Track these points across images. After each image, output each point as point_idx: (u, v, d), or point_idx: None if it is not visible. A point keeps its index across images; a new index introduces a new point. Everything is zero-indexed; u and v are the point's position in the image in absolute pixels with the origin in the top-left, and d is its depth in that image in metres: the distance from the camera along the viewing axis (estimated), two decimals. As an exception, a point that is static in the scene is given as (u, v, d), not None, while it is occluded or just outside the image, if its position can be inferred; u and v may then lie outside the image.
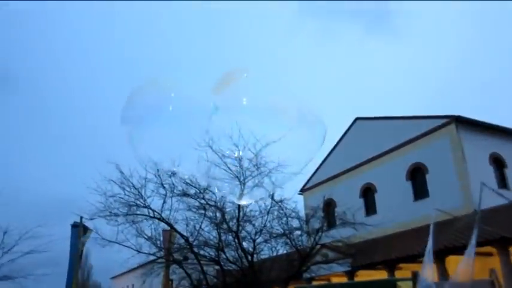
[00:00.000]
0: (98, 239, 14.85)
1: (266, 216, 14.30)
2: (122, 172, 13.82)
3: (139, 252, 14.71)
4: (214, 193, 14.11)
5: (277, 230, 14.77)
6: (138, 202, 14.05)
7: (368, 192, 21.53)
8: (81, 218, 16.73)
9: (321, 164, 24.68)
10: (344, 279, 17.95)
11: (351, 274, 17.40)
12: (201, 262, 14.94)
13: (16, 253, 20.73)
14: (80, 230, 17.45)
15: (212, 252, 15.07)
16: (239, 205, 13.92)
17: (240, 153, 13.34)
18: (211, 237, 14.85)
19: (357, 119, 23.51)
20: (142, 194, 14.04)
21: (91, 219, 14.63)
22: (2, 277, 21.63)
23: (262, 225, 14.31)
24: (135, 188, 13.94)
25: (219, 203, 14.16)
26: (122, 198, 13.89)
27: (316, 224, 15.53)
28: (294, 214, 14.96)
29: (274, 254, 15.67)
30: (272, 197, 14.15)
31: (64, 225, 18.54)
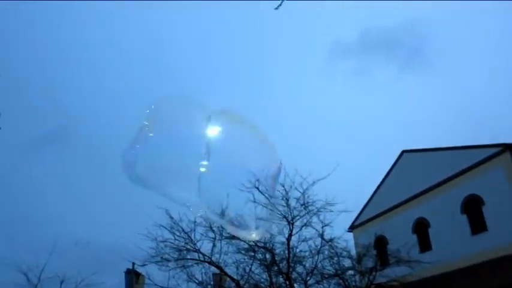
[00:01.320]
0: (151, 284, 14.98)
1: (317, 256, 14.04)
2: (171, 217, 14.06)
3: (190, 297, 14.68)
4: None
5: (328, 270, 14.41)
6: (188, 246, 14.16)
7: (421, 227, 20.71)
8: (133, 264, 17.06)
9: (369, 200, 24.13)
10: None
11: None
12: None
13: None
14: (132, 277, 17.76)
15: (263, 295, 14.83)
16: (289, 246, 13.78)
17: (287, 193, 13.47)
18: (262, 280, 14.64)
19: (404, 151, 23.00)
20: (192, 238, 14.16)
21: (143, 265, 14.86)
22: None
23: (313, 266, 14.02)
24: (185, 232, 14.09)
25: (268, 245, 14.06)
26: (172, 243, 14.06)
27: (369, 262, 15.05)
28: (345, 253, 14.61)
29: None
30: (322, 236, 13.95)
31: (117, 272, 18.93)
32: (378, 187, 23.86)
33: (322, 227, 13.93)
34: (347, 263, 14.78)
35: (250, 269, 14.38)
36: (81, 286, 21.00)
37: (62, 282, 20.76)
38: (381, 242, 20.57)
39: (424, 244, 20.13)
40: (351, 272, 14.85)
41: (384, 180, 23.70)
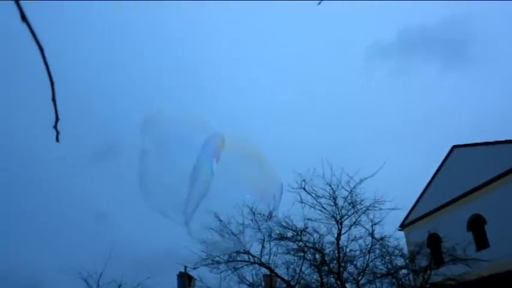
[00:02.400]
0: (203, 287, 15.26)
1: (368, 256, 13.80)
2: (220, 220, 14.27)
3: (242, 298, 14.81)
4: (311, 234, 14.04)
5: (380, 269, 14.14)
6: (237, 248, 14.32)
7: (477, 224, 19.91)
8: (185, 267, 17.43)
9: (420, 197, 23.47)
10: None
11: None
12: (305, 306, 14.67)
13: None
14: (185, 280, 18.13)
15: (315, 296, 14.76)
16: (338, 245, 13.66)
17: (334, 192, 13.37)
18: (313, 280, 14.58)
19: (454, 147, 22.25)
20: (241, 240, 14.30)
21: (194, 268, 15.14)
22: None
23: (365, 265, 13.79)
24: (234, 235, 14.25)
25: (317, 245, 13.99)
26: (222, 245, 14.27)
27: (422, 261, 14.63)
28: (397, 252, 14.27)
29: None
30: (372, 235, 13.72)
31: (171, 275, 19.42)
32: (429, 184, 23.18)
33: (372, 226, 13.72)
34: (399, 261, 14.43)
35: (301, 270, 14.36)
36: (137, 290, 21.77)
37: (119, 286, 21.57)
38: (434, 240, 19.96)
39: (481, 242, 19.33)
40: (404, 271, 14.48)
41: (434, 176, 23.01)
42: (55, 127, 1.51)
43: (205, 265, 14.44)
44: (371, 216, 13.64)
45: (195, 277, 17.64)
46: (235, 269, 14.42)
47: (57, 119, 1.50)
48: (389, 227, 14.72)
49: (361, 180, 13.35)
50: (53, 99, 1.46)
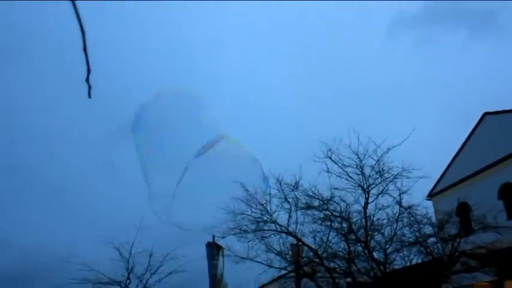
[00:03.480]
0: (231, 256, 15.53)
1: (395, 224, 13.72)
2: (247, 190, 14.40)
3: (270, 267, 15.02)
4: (338, 204, 14.03)
5: (408, 238, 14.07)
6: (264, 218, 14.46)
7: (508, 193, 19.49)
8: (214, 237, 17.74)
9: (449, 165, 23.07)
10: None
11: (497, 283, 15.81)
12: (332, 274, 14.79)
13: (162, 274, 22.80)
14: (213, 249, 18.50)
15: (342, 264, 14.84)
16: (366, 214, 13.62)
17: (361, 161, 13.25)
18: (340, 249, 14.65)
19: (486, 114, 21.62)
20: (268, 209, 14.43)
21: (223, 237, 15.40)
22: (152, 296, 23.84)
23: (392, 234, 13.74)
24: (261, 204, 14.38)
25: (344, 214, 13.99)
26: (249, 215, 14.43)
27: (451, 229, 14.46)
28: (425, 220, 14.14)
29: (408, 263, 14.86)
30: (400, 204, 13.61)
31: (199, 245, 19.84)
32: (458, 152, 22.73)
33: (400, 195, 13.59)
34: (428, 230, 14.31)
35: (328, 239, 14.43)
36: (167, 259, 22.48)
37: (150, 255, 22.32)
38: (463, 209, 19.68)
39: (512, 210, 18.99)
40: (432, 239, 14.38)
41: (464, 144, 22.52)
42: (87, 80, 1.48)
43: (233, 234, 14.68)
44: (399, 185, 13.51)
45: (223, 246, 17.98)
46: (263, 238, 14.61)
47: (88, 71, 1.45)
48: (418, 195, 14.58)
49: (389, 149, 13.17)
50: (84, 49, 1.42)
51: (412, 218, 13.89)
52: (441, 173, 23.58)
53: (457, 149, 22.98)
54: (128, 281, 22.94)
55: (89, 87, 1.47)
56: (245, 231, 14.46)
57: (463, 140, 22.74)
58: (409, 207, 13.78)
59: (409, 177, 13.27)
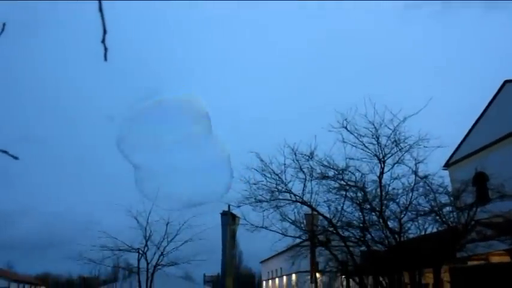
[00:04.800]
0: (246, 225, 15.73)
1: (411, 194, 13.66)
2: (261, 160, 14.44)
3: (285, 235, 15.19)
4: (353, 173, 13.99)
5: (424, 207, 14.01)
6: (279, 187, 14.53)
7: (527, 161, 19.18)
8: (229, 206, 17.96)
9: (467, 135, 22.71)
10: (506, 259, 16.35)
11: (514, 252, 15.76)
12: (346, 243, 14.91)
13: (178, 242, 23.33)
14: (228, 218, 18.76)
15: (356, 233, 14.93)
16: (381, 184, 13.57)
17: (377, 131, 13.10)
18: (354, 218, 14.70)
19: (507, 81, 21.06)
20: (283, 179, 14.48)
21: (238, 206, 15.57)
22: (169, 263, 24.51)
23: (407, 203, 13.69)
24: (276, 174, 14.44)
25: (359, 183, 13.96)
26: (264, 185, 14.51)
27: (467, 199, 14.35)
28: (441, 189, 14.03)
29: (423, 233, 14.87)
30: (415, 173, 13.51)
31: (215, 214, 20.15)
32: (477, 121, 22.32)
33: (416, 164, 13.47)
34: (444, 199, 14.21)
35: (342, 208, 14.47)
36: (184, 227, 22.93)
37: (167, 224, 22.77)
38: (480, 178, 19.48)
39: (531, 179, 18.69)
40: (448, 208, 14.30)
41: (483, 113, 22.08)
42: (103, 41, 1.42)
43: (248, 203, 14.83)
44: (415, 155, 13.37)
45: (238, 215, 18.21)
46: (278, 207, 14.72)
47: (104, 32, 1.39)
48: (434, 165, 14.43)
49: (405, 118, 12.98)
50: (100, 9, 1.36)
51: (427, 188, 13.80)
52: (459, 142, 23.26)
53: (475, 118, 22.56)
54: (146, 248, 23.55)
55: (105, 49, 1.42)
56: (260, 200, 14.58)
57: (482, 108, 22.28)
58: (425, 176, 13.67)
59: (425, 147, 13.12)
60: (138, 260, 24.02)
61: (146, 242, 23.39)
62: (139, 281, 23.77)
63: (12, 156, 1.42)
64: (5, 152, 1.40)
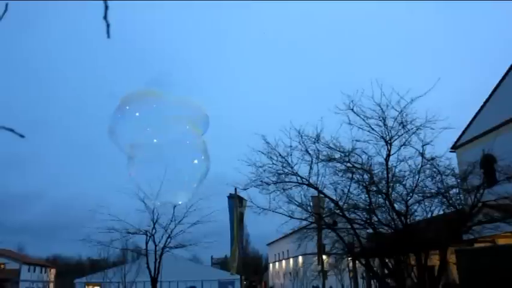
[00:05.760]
0: (253, 207, 15.83)
1: (417, 176, 13.62)
2: (268, 142, 14.45)
3: (291, 218, 15.26)
4: (360, 156, 13.97)
5: (430, 189, 13.98)
6: (285, 170, 14.56)
7: (536, 144, 19.01)
8: (236, 189, 18.05)
9: (475, 116, 22.52)
10: (513, 240, 16.35)
11: (521, 234, 15.74)
12: (353, 225, 14.96)
13: (186, 224, 23.57)
14: (235, 200, 18.87)
15: (363, 215, 14.97)
16: (387, 166, 13.54)
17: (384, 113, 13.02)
18: (361, 200, 14.72)
19: (515, 62, 20.79)
20: (289, 161, 14.49)
21: (244, 189, 15.67)
22: (177, 245, 24.80)
23: (414, 185, 13.68)
24: (282, 157, 14.45)
25: (365, 165, 13.94)
26: (270, 167, 14.54)
27: (474, 180, 14.29)
28: (448, 171, 13.98)
29: (429, 215, 14.88)
30: (422, 155, 13.45)
31: (222, 197, 20.29)
32: (485, 102, 22.10)
33: (423, 146, 13.40)
34: (450, 181, 14.16)
35: (349, 190, 14.49)
36: (191, 210, 23.13)
37: (174, 207, 22.93)
38: (487, 160, 19.37)
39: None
40: (455, 190, 14.26)
41: (491, 94, 21.85)
42: (105, 18, 1.38)
43: (254, 186, 14.89)
44: (422, 137, 13.29)
45: (245, 198, 18.31)
46: (284, 189, 14.77)
47: (106, 7, 1.36)
48: (441, 147, 14.33)
49: (412, 100, 12.87)
50: None
51: (434, 170, 13.75)
52: (466, 124, 23.10)
53: (483, 100, 22.34)
54: (154, 231, 23.80)
55: (107, 25, 1.38)
56: (266, 183, 14.63)
57: (490, 90, 22.05)
58: (432, 158, 13.62)
59: (432, 129, 13.02)
60: (146, 243, 24.32)
61: (154, 224, 23.64)
62: (147, 263, 24.08)
63: (19, 134, 1.43)
64: (11, 130, 1.41)
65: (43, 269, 73.29)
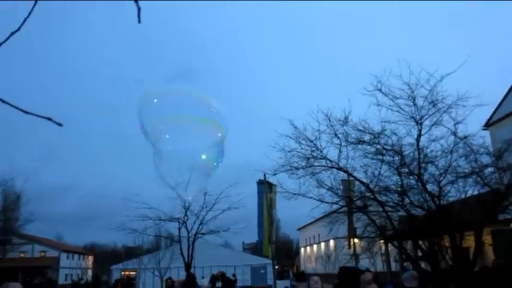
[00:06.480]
0: (283, 192, 15.86)
1: (450, 156, 13.31)
2: (295, 127, 14.39)
3: (321, 202, 15.21)
4: (389, 137, 13.75)
5: (464, 169, 13.64)
6: (314, 154, 14.49)
7: None
8: (265, 174, 18.13)
9: (508, 92, 21.77)
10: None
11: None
12: (384, 208, 14.81)
13: (217, 211, 23.91)
14: (265, 186, 18.96)
15: (394, 198, 14.78)
16: (418, 146, 13.30)
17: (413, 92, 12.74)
18: (392, 182, 14.53)
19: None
20: (318, 145, 14.41)
21: (274, 174, 15.68)
22: (209, 231, 25.23)
23: (447, 166, 13.38)
24: (310, 141, 14.38)
25: (396, 147, 13.72)
26: (299, 152, 14.49)
27: (510, 158, 13.85)
28: (482, 150, 13.60)
29: (463, 195, 14.55)
30: (455, 134, 13.12)
31: (251, 183, 20.41)
32: (520, 78, 21.27)
33: (455, 125, 13.06)
34: (485, 160, 13.76)
35: (379, 172, 14.31)
36: (221, 197, 23.42)
37: (205, 194, 23.27)
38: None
39: None
40: (489, 169, 13.87)
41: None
42: (136, 0, 1.38)
43: (283, 171, 14.88)
44: (453, 115, 12.95)
45: (274, 183, 18.37)
46: (313, 174, 14.71)
47: None
48: (474, 125, 13.93)
49: (443, 77, 12.52)
50: None
51: (468, 149, 13.40)
52: (500, 100, 22.36)
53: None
54: (186, 218, 24.24)
55: (138, 9, 1.38)
56: (296, 168, 14.60)
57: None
58: (465, 137, 13.26)
59: (464, 106, 12.66)
60: (179, 229, 24.82)
61: (186, 211, 24.06)
62: (181, 249, 24.58)
63: (57, 123, 1.47)
64: (49, 119, 1.46)
65: (81, 256, 75.87)
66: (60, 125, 1.45)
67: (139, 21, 1.39)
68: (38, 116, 1.42)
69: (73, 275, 65.33)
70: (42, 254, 65.03)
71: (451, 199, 14.64)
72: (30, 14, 2.00)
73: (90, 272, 73.19)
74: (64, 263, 66.27)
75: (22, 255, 59.58)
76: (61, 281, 61.18)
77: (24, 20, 1.93)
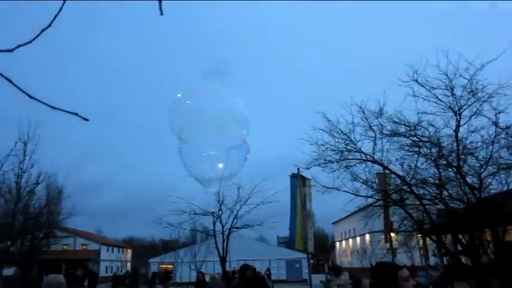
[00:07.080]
0: (317, 186, 15.72)
1: (491, 147, 12.80)
2: (329, 120, 14.21)
3: (356, 195, 14.98)
4: (426, 128, 13.37)
5: (506, 160, 13.10)
6: (348, 147, 14.27)
7: None
8: (298, 168, 18.02)
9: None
10: None
11: None
12: (422, 201, 14.43)
13: (250, 205, 24.09)
14: (298, 180, 18.85)
15: (432, 190, 14.38)
16: (457, 138, 12.86)
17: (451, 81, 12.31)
18: (430, 175, 14.13)
19: None
20: (352, 138, 14.19)
21: (307, 168, 15.55)
22: (243, 225, 25.43)
23: (488, 157, 12.88)
24: (344, 134, 14.17)
25: (433, 138, 13.32)
26: (332, 145, 14.32)
27: (556, 148, 13.20)
28: (526, 140, 13.01)
29: (505, 187, 13.98)
30: (496, 124, 12.60)
31: (284, 177, 20.37)
32: None
33: (496, 114, 12.53)
34: (529, 151, 13.19)
35: (416, 165, 13.95)
36: (255, 191, 23.54)
37: (239, 188, 23.46)
38: None
39: None
40: (534, 159, 13.27)
41: None
42: None
43: (317, 165, 14.74)
44: (494, 104, 12.41)
45: (308, 177, 18.23)
46: (348, 167, 14.50)
47: None
48: (515, 114, 13.34)
49: (483, 66, 12.01)
50: None
51: (510, 139, 12.85)
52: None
53: None
54: (220, 212, 24.50)
55: (160, 1, 1.35)
56: (329, 161, 14.44)
57: None
58: (507, 127, 12.70)
59: (506, 95, 12.11)
60: (214, 223, 25.12)
61: (220, 206, 24.31)
62: (216, 243, 24.87)
63: (83, 117, 1.47)
64: (75, 114, 1.45)
65: (120, 250, 78.09)
66: (86, 119, 1.46)
67: (161, 14, 1.37)
68: (64, 111, 1.43)
69: (113, 268, 67.38)
70: (84, 247, 67.37)
71: (492, 191, 14.12)
72: (60, 10, 2.01)
73: (129, 265, 75.26)
74: (104, 255, 68.41)
75: (65, 247, 61.87)
76: (101, 273, 63.22)
77: (55, 17, 1.94)
